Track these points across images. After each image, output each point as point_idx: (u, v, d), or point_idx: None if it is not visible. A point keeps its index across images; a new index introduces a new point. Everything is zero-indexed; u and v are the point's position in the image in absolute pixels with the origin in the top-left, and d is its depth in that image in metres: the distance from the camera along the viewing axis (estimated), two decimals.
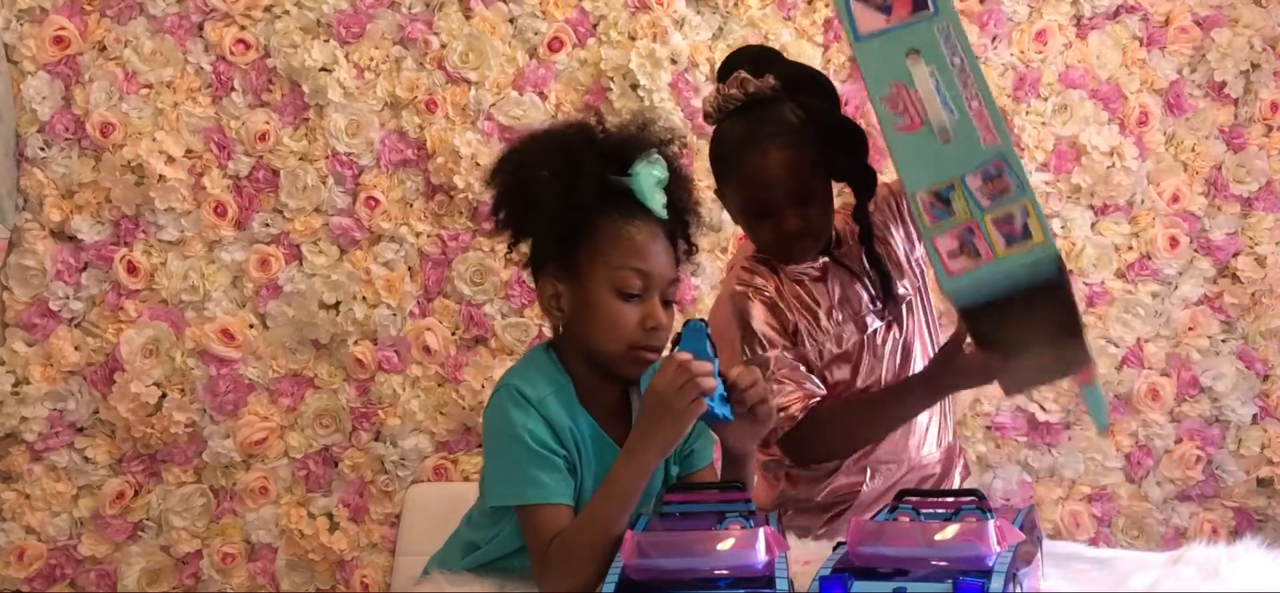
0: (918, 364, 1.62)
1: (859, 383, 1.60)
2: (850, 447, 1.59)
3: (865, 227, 1.59)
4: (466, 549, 1.34)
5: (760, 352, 1.55)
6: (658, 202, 1.25)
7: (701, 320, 1.22)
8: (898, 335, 1.62)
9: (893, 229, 1.64)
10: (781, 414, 1.48)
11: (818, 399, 1.53)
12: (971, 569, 0.93)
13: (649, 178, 1.24)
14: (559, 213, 1.23)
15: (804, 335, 1.58)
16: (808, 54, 2.24)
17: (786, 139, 1.50)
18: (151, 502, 2.24)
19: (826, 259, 1.60)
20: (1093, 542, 2.22)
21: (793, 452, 1.58)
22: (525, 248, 1.31)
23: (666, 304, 1.27)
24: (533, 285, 1.33)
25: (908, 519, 1.07)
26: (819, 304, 1.59)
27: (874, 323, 1.60)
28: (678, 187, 1.29)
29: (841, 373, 1.60)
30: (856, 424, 1.57)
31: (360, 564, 2.26)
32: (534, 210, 1.25)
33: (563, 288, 1.26)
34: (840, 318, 1.59)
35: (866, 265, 1.60)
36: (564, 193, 1.22)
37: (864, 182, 1.56)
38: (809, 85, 1.56)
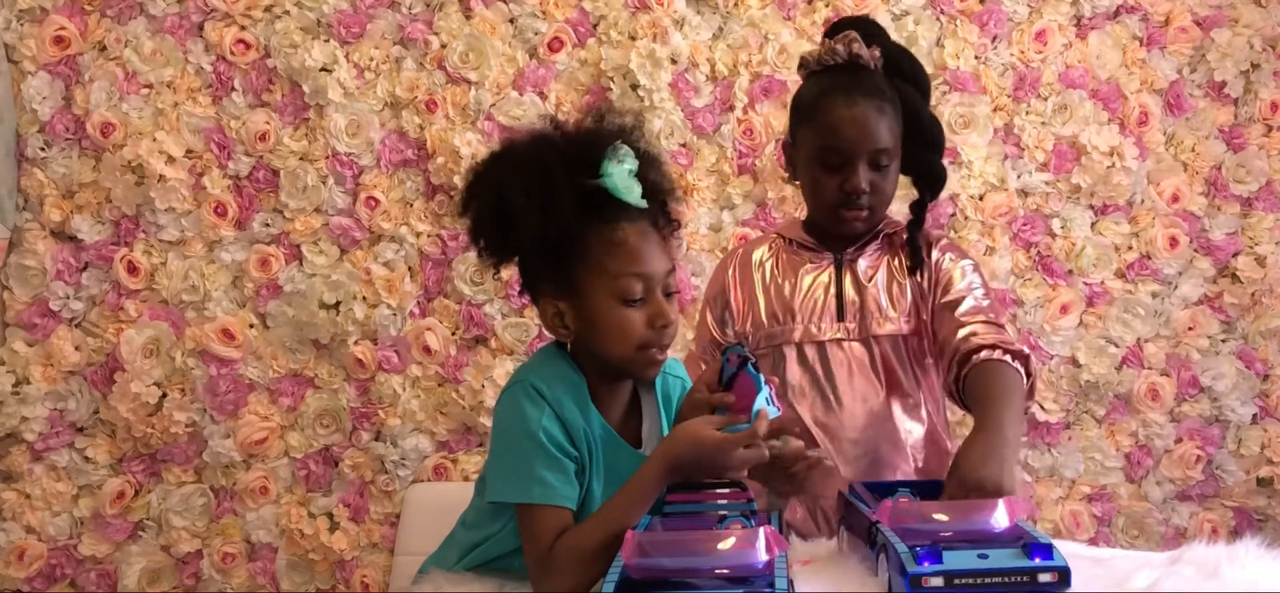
0: (856, 391, 1.57)
1: (806, 399, 1.58)
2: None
3: (919, 217, 1.59)
4: (465, 551, 1.33)
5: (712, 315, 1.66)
6: (635, 194, 1.23)
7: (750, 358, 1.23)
8: (862, 355, 1.57)
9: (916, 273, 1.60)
10: None
11: None
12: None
13: (621, 174, 1.22)
14: (543, 233, 1.21)
15: (741, 316, 1.61)
16: None
17: (878, 101, 1.51)
18: (151, 502, 2.24)
19: (831, 257, 1.60)
20: (1093, 542, 2.22)
21: None
22: (513, 267, 1.31)
23: (668, 296, 1.26)
24: (532, 305, 1.33)
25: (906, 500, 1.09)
26: (793, 294, 1.59)
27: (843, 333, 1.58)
28: (648, 169, 1.27)
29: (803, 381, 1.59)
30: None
31: (360, 564, 2.26)
32: (516, 234, 1.23)
33: (564, 305, 1.26)
34: (805, 315, 1.58)
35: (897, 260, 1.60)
36: (544, 212, 1.20)
37: (932, 179, 1.58)
38: (909, 70, 1.57)
